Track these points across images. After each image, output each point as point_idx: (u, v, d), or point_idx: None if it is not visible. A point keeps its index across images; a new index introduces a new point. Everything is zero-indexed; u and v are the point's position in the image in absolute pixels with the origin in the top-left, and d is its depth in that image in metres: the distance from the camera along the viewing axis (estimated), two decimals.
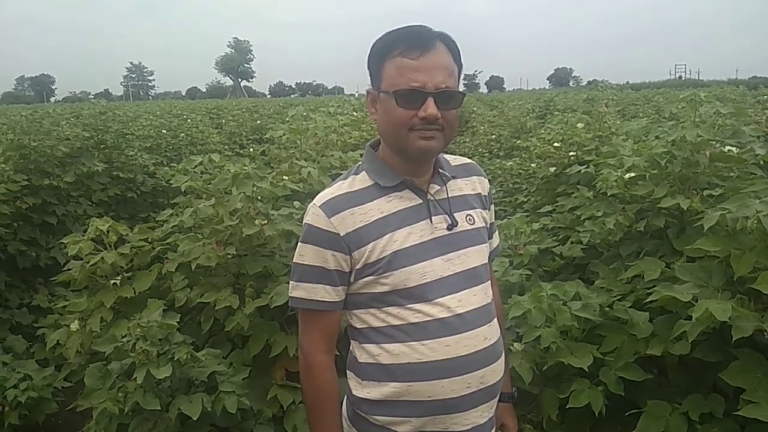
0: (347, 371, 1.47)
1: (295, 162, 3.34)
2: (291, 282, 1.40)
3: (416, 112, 1.28)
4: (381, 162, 1.39)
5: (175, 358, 2.08)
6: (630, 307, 2.40)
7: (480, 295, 1.40)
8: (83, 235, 2.93)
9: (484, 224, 1.47)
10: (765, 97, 11.09)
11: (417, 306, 1.33)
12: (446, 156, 1.50)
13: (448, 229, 1.38)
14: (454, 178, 1.45)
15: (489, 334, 1.40)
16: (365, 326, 1.39)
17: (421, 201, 1.38)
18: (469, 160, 1.55)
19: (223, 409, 2.09)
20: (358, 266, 1.34)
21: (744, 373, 1.91)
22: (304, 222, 1.38)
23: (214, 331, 2.69)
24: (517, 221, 3.57)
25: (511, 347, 2.38)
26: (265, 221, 2.70)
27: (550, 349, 2.28)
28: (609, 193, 3.00)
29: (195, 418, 1.99)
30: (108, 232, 2.83)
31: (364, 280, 1.34)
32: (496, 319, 1.46)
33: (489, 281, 1.46)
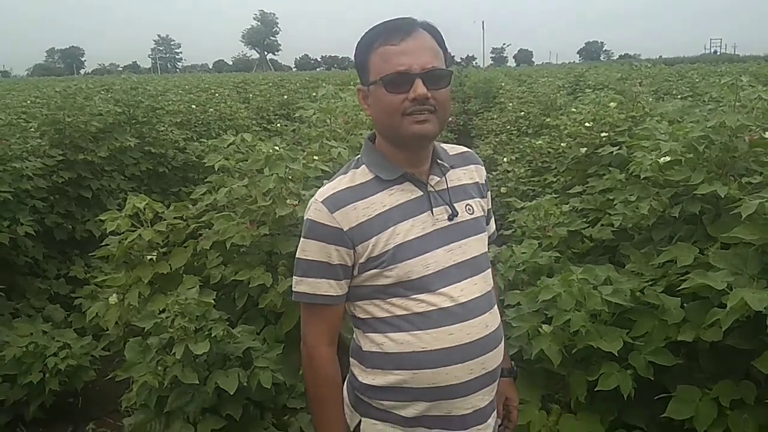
0: (350, 359, 1.50)
1: (325, 142, 3.36)
2: (294, 277, 1.42)
3: (406, 95, 1.29)
4: (380, 155, 1.40)
5: (212, 335, 2.14)
6: (661, 293, 2.40)
7: (481, 284, 1.44)
8: (120, 211, 3.01)
9: (482, 213, 1.50)
10: None
11: (421, 296, 1.36)
12: (443, 145, 1.51)
13: (449, 219, 1.40)
14: (452, 167, 1.47)
15: (490, 321, 1.44)
16: (369, 317, 1.41)
17: (422, 193, 1.40)
18: (466, 149, 1.57)
19: (258, 384, 2.15)
20: (361, 260, 1.36)
21: None
22: (306, 217, 1.39)
23: (247, 308, 2.76)
24: (546, 203, 3.55)
25: (539, 329, 2.40)
26: (297, 202, 2.74)
27: (579, 333, 2.29)
28: (642, 177, 2.96)
29: (232, 393, 2.05)
30: (144, 209, 2.90)
31: (368, 273, 1.36)
32: (496, 306, 1.49)
33: (489, 269, 1.49)
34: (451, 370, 1.37)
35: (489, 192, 1.59)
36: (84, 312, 3.55)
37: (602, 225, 3.36)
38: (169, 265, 2.84)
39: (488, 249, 1.53)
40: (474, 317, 1.40)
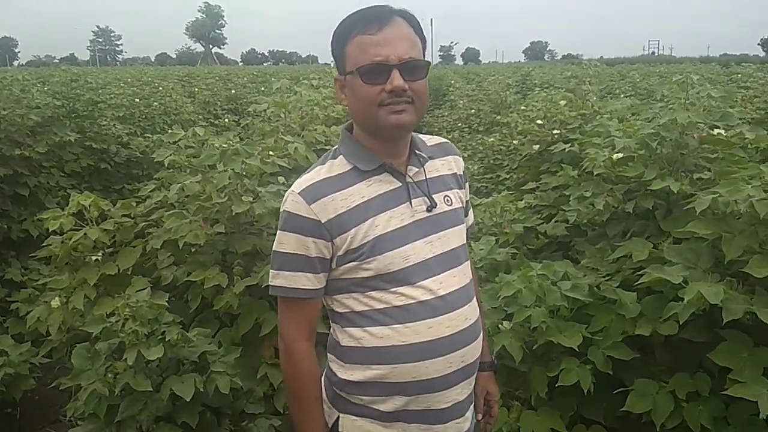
0: (328, 354, 1.47)
1: (280, 137, 3.28)
2: (271, 270, 1.39)
3: (383, 86, 1.27)
4: (358, 145, 1.38)
5: (166, 339, 2.04)
6: (617, 287, 2.43)
7: (460, 276, 1.43)
8: (61, 209, 2.85)
9: (461, 204, 1.49)
10: (738, 75, 11.26)
11: (400, 289, 1.34)
12: (421, 136, 1.50)
13: (428, 210, 1.39)
14: (431, 158, 1.46)
15: (469, 313, 1.44)
16: (347, 310, 1.39)
17: (401, 184, 1.38)
18: (444, 140, 1.56)
19: (216, 390, 2.07)
20: (340, 252, 1.33)
21: (731, 353, 1.96)
22: (282, 209, 1.36)
23: (201, 310, 2.66)
24: (503, 199, 3.57)
25: (500, 326, 2.41)
26: (253, 198, 2.66)
27: (539, 329, 2.31)
28: (595, 173, 3.01)
29: (188, 399, 1.97)
30: (90, 207, 2.76)
31: (346, 265, 1.34)
32: (475, 298, 1.49)
33: (468, 261, 1.49)
34: (430, 363, 1.36)
35: (467, 183, 1.58)
36: (22, 317, 3.36)
37: (556, 221, 3.41)
38: (117, 266, 2.72)
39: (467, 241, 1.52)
40: (453, 310, 1.39)
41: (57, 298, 2.72)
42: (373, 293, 1.35)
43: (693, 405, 2.03)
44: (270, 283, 1.40)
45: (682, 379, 2.09)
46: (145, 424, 2.01)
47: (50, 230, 2.76)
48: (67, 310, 2.67)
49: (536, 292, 2.38)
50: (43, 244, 2.85)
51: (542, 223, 3.54)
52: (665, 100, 2.78)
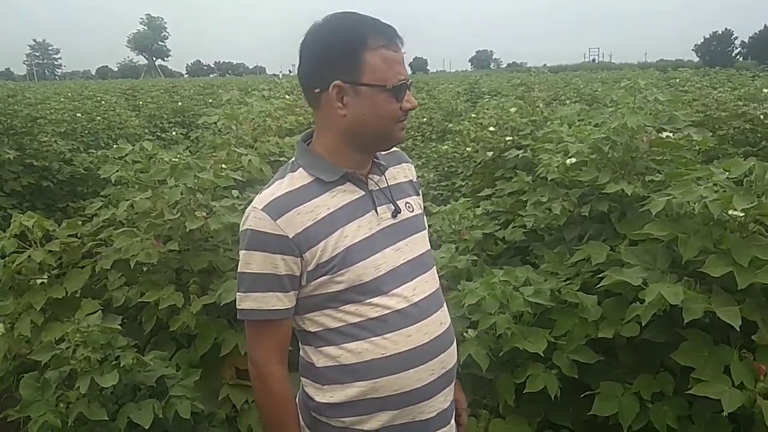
0: (301, 378, 1.42)
1: (233, 149, 3.20)
2: (238, 293, 1.33)
3: (400, 104, 1.29)
4: (317, 156, 1.34)
5: (121, 364, 1.94)
6: (578, 291, 2.46)
7: (431, 281, 1.42)
8: (3, 231, 2.70)
9: (420, 210, 1.48)
10: (677, 80, 11.70)
11: (375, 300, 1.31)
12: None
13: (393, 216, 1.37)
14: (389, 166, 1.45)
15: (443, 318, 1.43)
16: (321, 329, 1.34)
17: (364, 192, 1.36)
18: (395, 148, 1.53)
19: (176, 415, 1.98)
20: (310, 267, 1.29)
21: (693, 352, 2.00)
22: (244, 227, 1.30)
23: (156, 331, 2.55)
24: (460, 206, 3.58)
25: (465, 334, 2.39)
26: (207, 214, 2.58)
27: (504, 335, 2.30)
28: (550, 178, 3.05)
29: (147, 427, 1.87)
30: (33, 227, 2.62)
31: (317, 281, 1.30)
32: (445, 303, 1.48)
33: (434, 266, 1.47)
34: (413, 373, 1.33)
35: (421, 190, 1.57)
36: None
37: (514, 227, 3.43)
38: (65, 288, 2.58)
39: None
40: (429, 316, 1.37)
41: (1, 325, 2.56)
42: (347, 307, 1.31)
43: (658, 405, 2.06)
44: (239, 307, 1.33)
45: (646, 380, 2.12)
46: None
47: None
48: (13, 337, 2.51)
49: (500, 299, 2.38)
50: None
51: (500, 229, 3.57)
52: (614, 104, 2.83)
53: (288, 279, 1.29)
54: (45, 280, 2.62)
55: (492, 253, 3.53)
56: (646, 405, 2.07)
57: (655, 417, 2.03)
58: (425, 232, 1.46)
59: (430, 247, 1.46)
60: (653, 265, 2.23)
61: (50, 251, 2.60)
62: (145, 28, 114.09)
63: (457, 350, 2.32)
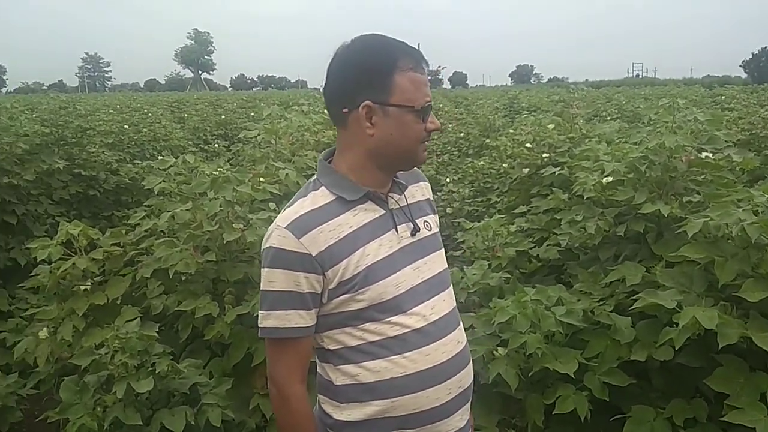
0: (319, 395, 1.42)
1: (271, 163, 3.27)
2: (261, 312, 1.34)
3: (425, 125, 1.32)
4: (339, 175, 1.36)
5: (156, 371, 2.00)
6: (611, 312, 2.43)
7: (448, 300, 1.43)
8: (50, 238, 2.82)
9: (438, 229, 1.49)
10: (722, 97, 11.45)
11: (394, 318, 1.32)
12: None
13: (412, 235, 1.39)
14: (408, 185, 1.46)
15: (460, 337, 1.43)
16: (340, 346, 1.35)
17: (384, 211, 1.37)
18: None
19: (207, 422, 2.03)
20: (331, 286, 1.30)
21: (727, 378, 1.95)
22: (268, 245, 1.31)
23: (191, 340, 2.62)
24: (494, 223, 3.57)
25: (495, 352, 2.39)
26: (244, 226, 2.64)
27: (535, 355, 2.29)
28: (586, 197, 3.03)
29: None
30: (78, 236, 2.73)
31: (339, 299, 1.31)
32: (462, 322, 1.47)
33: (451, 285, 1.48)
34: (431, 392, 1.34)
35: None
36: (9, 347, 3.29)
37: (548, 245, 3.41)
38: (106, 295, 2.67)
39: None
40: (446, 335, 1.37)
41: (45, 329, 2.67)
42: (367, 325, 1.32)
43: None
44: (260, 325, 1.34)
45: (679, 405, 2.08)
46: None
47: (38, 259, 2.73)
48: (55, 341, 2.62)
49: (531, 318, 2.36)
50: (32, 274, 2.81)
51: (534, 247, 3.54)
52: (653, 123, 2.80)
53: (310, 297, 1.30)
54: (88, 287, 2.73)
55: (525, 270, 3.50)
56: (678, 431, 2.02)
57: None
58: (442, 251, 1.47)
59: (447, 266, 1.47)
60: (689, 288, 2.19)
61: (94, 259, 2.71)
62: (192, 42, 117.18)
63: (487, 368, 2.35)
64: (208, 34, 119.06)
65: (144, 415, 2.00)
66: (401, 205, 1.40)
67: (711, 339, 1.93)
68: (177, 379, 2.12)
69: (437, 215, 1.55)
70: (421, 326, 1.33)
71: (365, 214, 1.35)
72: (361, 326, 1.32)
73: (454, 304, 1.45)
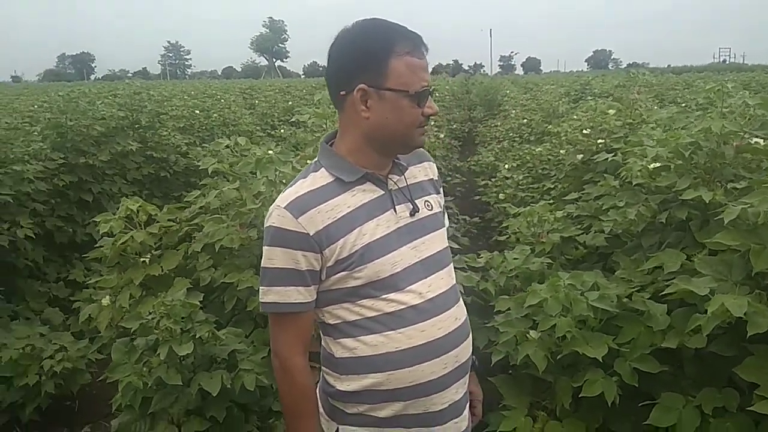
0: (322, 367, 1.49)
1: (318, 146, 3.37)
2: (261, 287, 1.39)
3: (422, 110, 1.34)
4: (339, 157, 1.39)
5: (197, 336, 2.15)
6: (649, 299, 2.39)
7: (446, 278, 1.46)
8: (115, 214, 3.04)
9: (440, 208, 1.52)
10: None
11: (391, 296, 1.36)
12: None
13: (411, 215, 1.42)
14: (409, 165, 1.49)
15: (458, 314, 1.46)
16: (339, 321, 1.40)
17: (383, 192, 1.41)
18: None
19: (242, 387, 2.16)
20: (329, 263, 1.34)
21: (759, 368, 1.89)
22: (268, 225, 1.36)
23: (237, 311, 2.77)
24: (540, 209, 3.54)
25: (527, 335, 2.40)
26: None
27: (565, 338, 2.29)
28: (634, 183, 2.96)
29: (214, 394, 2.06)
30: (138, 211, 2.93)
31: (336, 276, 1.36)
32: (461, 299, 1.51)
33: (451, 263, 1.52)
34: (426, 366, 1.38)
35: (442, 188, 1.61)
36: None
37: (595, 231, 3.35)
38: (161, 267, 2.86)
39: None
40: (443, 312, 1.42)
41: (107, 297, 2.90)
42: (364, 302, 1.37)
43: (720, 421, 1.97)
44: (261, 301, 1.40)
45: (710, 393, 2.03)
46: (176, 417, 2.12)
47: (102, 233, 2.95)
48: (115, 308, 2.84)
49: (562, 302, 2.36)
50: (95, 246, 3.04)
51: (582, 234, 3.50)
52: (701, 108, 2.71)
53: (309, 274, 1.35)
54: (147, 259, 2.93)
55: (571, 257, 3.47)
56: (707, 419, 1.98)
57: None
58: (443, 230, 1.51)
59: (447, 245, 1.50)
60: (727, 276, 2.13)
61: (150, 233, 2.90)
62: (267, 30, 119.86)
63: (517, 349, 2.37)
64: (283, 22, 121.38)
65: (185, 377, 2.16)
66: (400, 186, 1.44)
67: (745, 328, 1.88)
68: (218, 345, 2.27)
69: (442, 195, 1.58)
70: (417, 303, 1.38)
71: (363, 194, 1.39)
72: (358, 302, 1.37)
73: (454, 282, 1.49)
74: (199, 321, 2.24)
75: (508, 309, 2.69)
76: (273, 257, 1.35)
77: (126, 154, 6.01)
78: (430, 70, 1.39)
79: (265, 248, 1.38)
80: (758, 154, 2.50)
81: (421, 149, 1.56)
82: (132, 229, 2.96)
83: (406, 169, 1.48)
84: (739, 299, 1.85)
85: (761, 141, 2.43)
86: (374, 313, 1.37)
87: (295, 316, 1.39)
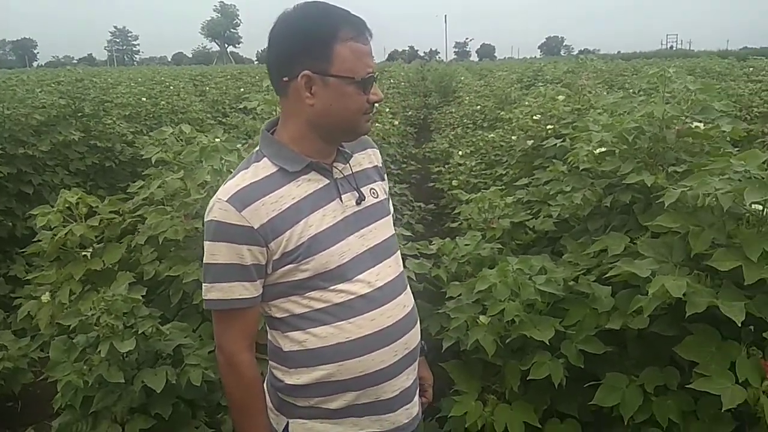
0: (269, 361, 1.46)
1: None
2: (204, 284, 1.36)
3: (367, 96, 1.31)
4: (282, 146, 1.36)
5: (140, 332, 2.08)
6: (594, 282, 2.43)
7: (394, 266, 1.46)
8: (53, 207, 2.91)
9: (385, 195, 1.51)
10: (751, 69, 11.10)
11: (339, 286, 1.35)
12: None
13: (357, 203, 1.40)
14: (353, 153, 1.47)
15: (406, 301, 1.46)
16: (287, 314, 1.38)
17: (329, 181, 1.38)
18: None
19: (188, 382, 2.11)
20: (275, 257, 1.31)
21: (698, 347, 1.95)
22: (209, 219, 1.32)
23: (184, 304, 2.70)
24: (491, 194, 3.57)
25: (477, 320, 2.42)
26: None
27: (513, 323, 2.32)
28: (581, 168, 3.01)
29: (159, 391, 2.01)
30: (77, 204, 2.82)
31: (283, 269, 1.33)
32: (409, 286, 1.51)
33: (398, 251, 1.51)
34: (376, 355, 1.37)
35: (386, 175, 1.59)
36: None
37: (544, 216, 3.40)
38: (103, 261, 2.77)
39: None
40: (392, 300, 1.41)
41: (47, 293, 2.79)
42: (312, 293, 1.34)
43: (661, 399, 2.03)
44: (205, 298, 1.36)
45: (652, 373, 2.09)
46: (120, 416, 2.06)
47: (40, 226, 2.83)
48: (55, 305, 2.73)
49: (511, 287, 2.39)
50: (33, 240, 2.92)
51: (532, 219, 3.54)
52: (644, 93, 2.77)
53: (254, 268, 1.32)
54: (87, 253, 2.82)
55: (521, 242, 3.51)
56: (649, 398, 2.04)
57: (658, 410, 1.99)
58: (389, 218, 1.50)
59: (394, 232, 1.50)
60: (668, 257, 2.18)
61: (91, 226, 2.80)
62: (219, 15, 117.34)
63: (467, 335, 2.39)
64: (234, 6, 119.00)
65: (128, 375, 2.09)
66: (346, 174, 1.42)
67: (685, 308, 1.92)
68: (162, 340, 2.21)
69: (386, 182, 1.56)
70: (365, 292, 1.36)
71: (308, 184, 1.35)
72: (306, 294, 1.35)
73: (401, 270, 1.48)
74: (142, 316, 2.17)
75: (459, 295, 2.71)
76: (216, 253, 1.31)
77: (68, 144, 5.79)
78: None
79: (207, 243, 1.33)
80: (699, 138, 2.56)
81: (365, 136, 1.53)
82: (72, 222, 2.84)
83: (351, 156, 1.45)
84: (679, 280, 1.89)
85: (701, 125, 2.49)
86: (323, 305, 1.35)
87: (240, 311, 1.36)
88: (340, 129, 1.36)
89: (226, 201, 1.29)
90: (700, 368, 1.91)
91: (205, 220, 1.34)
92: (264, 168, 1.35)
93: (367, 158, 1.51)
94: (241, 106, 4.18)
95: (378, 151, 1.57)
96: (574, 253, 2.75)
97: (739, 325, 1.78)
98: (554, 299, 2.42)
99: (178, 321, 2.55)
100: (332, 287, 1.34)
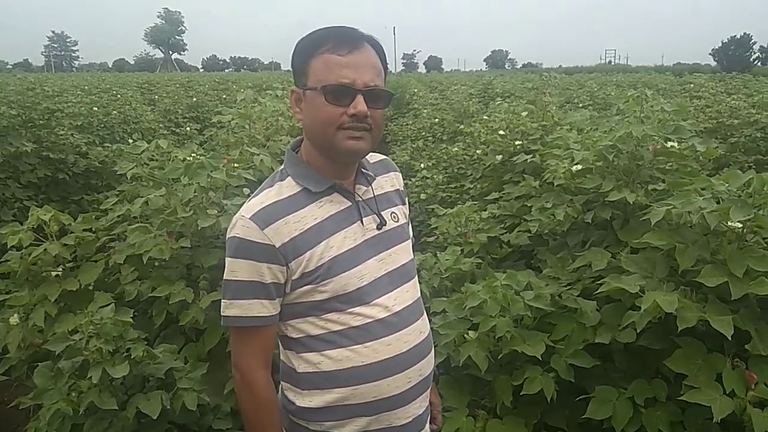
0: (282, 382, 1.45)
1: (245, 149, 3.27)
2: (224, 300, 1.34)
3: (345, 109, 1.27)
4: (306, 166, 1.36)
5: (132, 356, 2.02)
6: (578, 296, 2.50)
7: (412, 291, 1.45)
8: (21, 224, 2.78)
9: (405, 220, 1.51)
10: (691, 85, 11.67)
11: (357, 309, 1.34)
12: None
13: (378, 228, 1.40)
14: (376, 176, 1.47)
15: (423, 327, 1.46)
16: (303, 335, 1.37)
17: (350, 203, 1.38)
18: (383, 156, 1.56)
19: (183, 406, 2.05)
20: (295, 276, 1.31)
21: (686, 360, 2.03)
22: (232, 235, 1.31)
23: (165, 325, 2.63)
24: (467, 209, 3.63)
25: (466, 336, 2.45)
26: (219, 212, 2.65)
27: (504, 338, 2.36)
28: (556, 184, 3.09)
29: (155, 417, 1.94)
30: (50, 221, 2.70)
31: (301, 289, 1.32)
32: (425, 312, 1.51)
33: (416, 276, 1.51)
34: (391, 381, 1.36)
35: (407, 198, 1.60)
36: None
37: (519, 231, 3.47)
38: (78, 281, 2.66)
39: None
40: (408, 325, 1.40)
41: (16, 315, 2.65)
42: (330, 315, 1.33)
43: (651, 410, 2.11)
44: (223, 314, 1.34)
45: (640, 385, 2.16)
46: None
47: (9, 246, 2.70)
48: (27, 327, 2.60)
49: (500, 303, 2.43)
50: (1, 260, 2.78)
51: (505, 233, 3.61)
52: (621, 113, 2.88)
53: (273, 287, 1.31)
54: (60, 273, 2.71)
55: (497, 256, 3.57)
56: (639, 410, 2.11)
57: (648, 422, 2.07)
58: (409, 242, 1.50)
59: (413, 257, 1.49)
60: (652, 273, 2.27)
61: (65, 245, 2.69)
62: (163, 22, 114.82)
63: (458, 351, 2.41)
64: (179, 13, 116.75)
65: (120, 400, 2.02)
66: (367, 198, 1.42)
67: (671, 322, 2.00)
68: (152, 364, 2.14)
69: (407, 206, 1.57)
70: (383, 317, 1.36)
71: (331, 206, 1.35)
72: (323, 316, 1.34)
73: (418, 295, 1.48)
74: (131, 339, 2.10)
75: (444, 310, 2.73)
76: (236, 269, 1.30)
77: (19, 156, 5.55)
78: None
79: (228, 260, 1.32)
80: (672, 157, 2.68)
81: (387, 159, 1.54)
82: (43, 241, 2.72)
83: (374, 179, 1.45)
84: (669, 296, 1.98)
85: (675, 144, 2.61)
86: (340, 327, 1.34)
87: (257, 329, 1.35)
88: (320, 145, 1.33)
89: (249, 218, 1.28)
90: (689, 380, 1.99)
91: (228, 236, 1.33)
92: (288, 187, 1.34)
93: (390, 181, 1.51)
94: (214, 120, 4.10)
95: (400, 174, 1.57)
96: (555, 268, 2.83)
97: (729, 338, 1.87)
98: (541, 314, 2.47)
99: (159, 342, 2.48)
100: (350, 310, 1.34)
